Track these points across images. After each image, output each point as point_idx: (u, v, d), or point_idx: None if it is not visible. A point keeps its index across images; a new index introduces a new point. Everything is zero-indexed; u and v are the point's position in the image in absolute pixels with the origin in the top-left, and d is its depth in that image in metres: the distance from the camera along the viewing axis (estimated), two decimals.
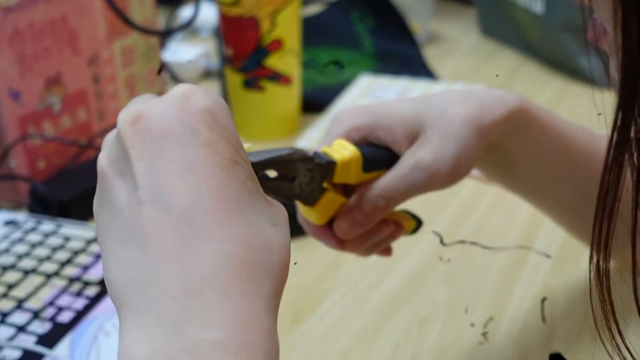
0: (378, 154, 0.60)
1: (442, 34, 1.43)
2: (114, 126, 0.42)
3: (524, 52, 1.31)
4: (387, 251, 0.65)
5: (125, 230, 0.40)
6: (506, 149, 0.64)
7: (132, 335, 0.38)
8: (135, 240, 0.39)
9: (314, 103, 1.14)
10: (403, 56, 1.29)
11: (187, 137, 0.40)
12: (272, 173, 0.54)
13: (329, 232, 0.60)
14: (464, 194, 0.90)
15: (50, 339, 0.68)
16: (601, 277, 0.43)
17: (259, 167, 0.52)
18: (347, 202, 0.59)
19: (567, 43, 1.18)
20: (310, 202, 0.57)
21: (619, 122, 0.37)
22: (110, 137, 0.42)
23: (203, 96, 0.42)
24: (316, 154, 0.56)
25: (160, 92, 1.08)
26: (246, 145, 0.52)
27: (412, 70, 1.25)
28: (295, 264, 0.63)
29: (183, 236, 0.39)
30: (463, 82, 1.19)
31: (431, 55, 1.32)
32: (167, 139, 0.40)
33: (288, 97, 1.06)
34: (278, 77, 1.03)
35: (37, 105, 0.92)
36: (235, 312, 0.38)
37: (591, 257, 0.43)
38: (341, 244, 0.61)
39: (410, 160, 0.59)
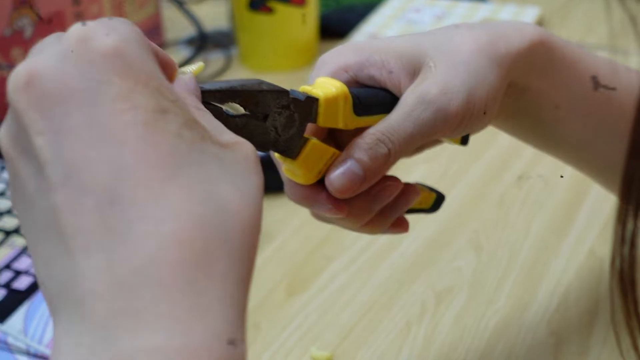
0: (372, 95, 0.57)
1: None
2: None
3: None
4: (401, 225, 0.61)
5: (42, 223, 0.39)
6: (532, 91, 0.62)
7: (60, 346, 0.38)
8: (54, 234, 0.38)
9: (335, 27, 1.13)
10: None
11: (94, 94, 0.38)
12: (235, 109, 0.51)
13: (320, 193, 0.56)
14: (504, 140, 0.88)
15: (2, 310, 0.68)
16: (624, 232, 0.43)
17: (216, 99, 0.49)
18: (339, 154, 0.55)
19: None
20: (290, 152, 0.54)
21: None
22: (8, 112, 0.40)
23: (105, 36, 0.39)
24: (292, 92, 0.53)
25: (155, 14, 1.08)
26: (196, 66, 0.49)
27: None
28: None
29: (107, 221, 0.37)
30: (514, 5, 1.18)
31: None
32: (70, 101, 0.38)
33: (302, 20, 1.06)
34: None
35: (3, 30, 0.92)
36: (176, 310, 0.37)
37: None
38: (338, 207, 0.56)
39: (413, 95, 0.56)
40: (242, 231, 0.38)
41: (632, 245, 0.43)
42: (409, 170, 0.85)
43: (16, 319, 0.67)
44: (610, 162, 0.67)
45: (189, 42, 1.16)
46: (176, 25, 1.18)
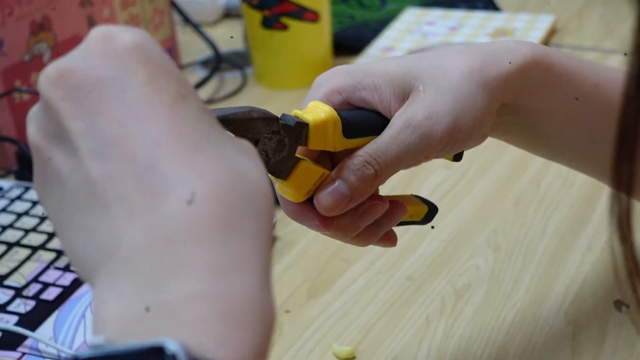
0: (362, 117, 0.59)
1: None
2: None
3: None
4: (389, 240, 0.64)
5: (81, 199, 0.42)
6: (527, 109, 0.64)
7: (104, 300, 0.40)
8: (96, 205, 0.41)
9: (349, 43, 1.15)
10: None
11: (122, 80, 0.42)
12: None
13: (309, 210, 0.59)
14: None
15: (33, 319, 0.71)
16: (622, 225, 0.45)
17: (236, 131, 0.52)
18: (328, 174, 0.58)
19: None
20: (281, 173, 0.57)
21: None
22: (35, 108, 0.44)
23: (127, 33, 0.43)
24: (284, 117, 0.56)
25: (170, 37, 1.12)
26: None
27: (469, 1, 1.26)
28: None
29: (148, 186, 0.41)
30: (529, 14, 1.20)
31: None
32: (101, 87, 0.42)
33: (316, 37, 1.08)
34: (303, 13, 1.05)
35: (22, 55, 0.94)
36: (215, 259, 0.40)
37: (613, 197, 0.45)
38: (325, 223, 0.59)
39: (400, 120, 0.58)
40: (262, 195, 0.41)
41: (628, 228, 0.44)
42: (430, 172, 0.88)
43: (46, 327, 0.70)
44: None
45: (205, 63, 1.18)
46: (191, 47, 1.20)
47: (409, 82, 0.59)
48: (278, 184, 0.58)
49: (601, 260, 0.76)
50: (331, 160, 0.60)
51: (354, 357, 0.68)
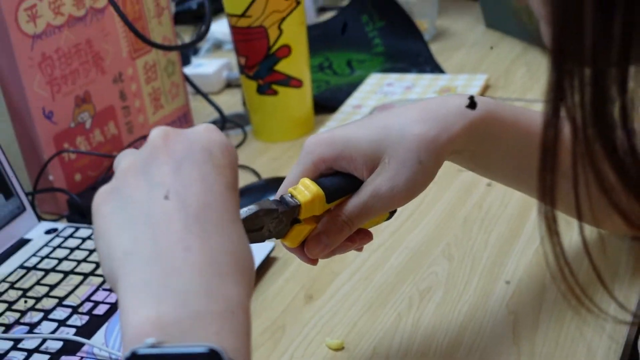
0: (341, 184, 0.61)
1: (448, 30, 1.45)
2: (143, 138, 0.50)
3: (525, 40, 1.32)
4: (364, 239, 0.65)
5: (140, 215, 0.45)
6: (469, 154, 0.65)
7: (139, 303, 0.42)
8: (148, 222, 0.44)
9: (327, 103, 1.16)
10: (411, 53, 1.31)
11: (204, 159, 0.47)
12: None
13: (301, 251, 0.62)
14: (466, 176, 0.92)
15: (88, 330, 0.72)
16: (550, 223, 0.46)
17: (248, 223, 0.56)
18: (315, 228, 0.61)
19: None
20: (279, 236, 0.60)
21: (552, 79, 0.40)
22: (129, 151, 0.49)
23: (220, 134, 0.49)
24: (282, 199, 0.59)
25: (184, 104, 1.13)
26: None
27: (419, 66, 1.27)
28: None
29: (190, 228, 0.44)
30: (467, 74, 1.21)
31: (438, 50, 1.34)
32: (190, 156, 0.46)
33: (300, 99, 1.08)
34: (289, 81, 1.06)
35: (69, 123, 0.95)
36: (229, 293, 0.43)
37: (540, 209, 0.46)
38: (312, 261, 0.63)
39: (369, 189, 0.60)
40: (252, 268, 0.46)
41: (555, 223, 0.45)
42: None
43: (99, 335, 0.71)
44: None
45: (213, 124, 1.16)
46: (202, 112, 1.21)
47: (377, 155, 0.61)
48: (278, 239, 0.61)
49: (532, 263, 0.77)
50: (314, 220, 0.62)
51: (343, 347, 0.68)
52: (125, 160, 0.48)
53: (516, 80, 1.21)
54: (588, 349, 0.65)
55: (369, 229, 0.64)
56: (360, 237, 0.63)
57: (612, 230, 0.75)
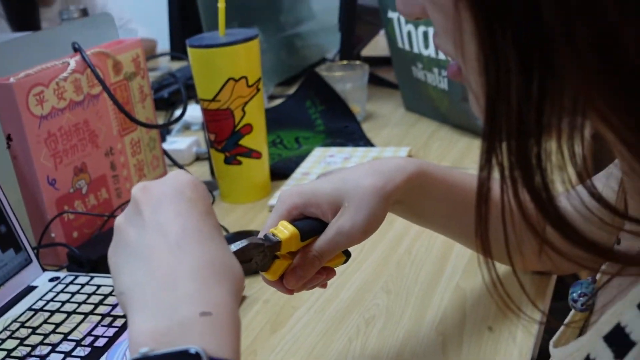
0: (311, 226, 0.63)
1: (375, 112, 1.48)
2: (128, 201, 0.50)
3: (438, 121, 1.36)
4: (329, 275, 0.67)
5: (136, 254, 0.46)
6: (407, 203, 0.68)
7: (139, 321, 0.43)
8: (142, 257, 0.46)
9: (281, 172, 1.17)
10: (347, 131, 1.34)
11: (177, 197, 0.48)
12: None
13: (280, 284, 0.64)
14: (397, 227, 0.95)
15: (91, 358, 0.72)
16: (488, 262, 0.43)
17: (239, 256, 0.57)
18: (291, 263, 0.63)
19: (468, 110, 1.21)
20: (264, 269, 0.61)
21: (485, 141, 0.38)
22: (126, 209, 0.50)
23: (188, 176, 0.50)
24: (266, 237, 0.61)
25: (163, 173, 1.14)
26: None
27: (354, 141, 1.30)
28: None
29: (174, 253, 0.45)
30: (393, 147, 1.24)
31: (368, 128, 1.37)
32: (165, 198, 0.48)
33: (260, 168, 1.10)
34: (251, 153, 1.08)
35: (69, 189, 0.96)
36: (211, 296, 0.44)
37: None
38: (289, 292, 0.64)
39: (334, 228, 0.62)
40: (237, 274, 0.47)
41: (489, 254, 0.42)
42: None
43: None
44: (466, 232, 0.72)
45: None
46: None
47: (339, 200, 0.63)
48: (262, 272, 0.63)
49: (454, 295, 0.79)
50: (291, 256, 0.64)
51: None
52: (118, 219, 0.50)
53: (433, 151, 1.24)
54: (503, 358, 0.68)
55: (333, 268, 0.66)
56: (327, 272, 0.66)
57: (521, 267, 0.78)
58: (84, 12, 1.58)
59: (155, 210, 0.47)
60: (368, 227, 0.63)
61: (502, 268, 0.44)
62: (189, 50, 1.04)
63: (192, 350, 0.40)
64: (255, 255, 0.59)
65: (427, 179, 0.67)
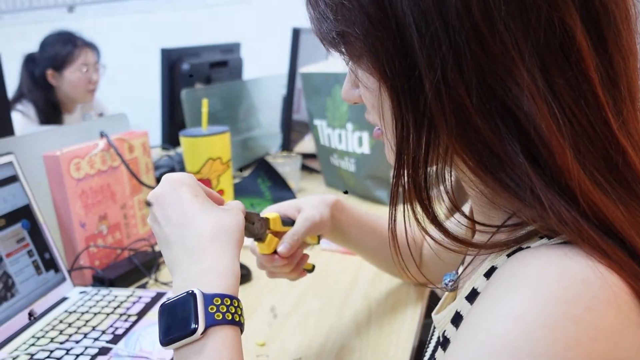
0: (289, 220, 0.66)
1: (305, 187, 1.51)
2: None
3: (349, 193, 1.41)
4: (303, 273, 0.68)
5: (163, 242, 0.49)
6: (337, 219, 0.70)
7: (175, 281, 0.46)
8: (168, 244, 0.48)
9: None
10: (285, 199, 1.23)
11: (178, 196, 0.48)
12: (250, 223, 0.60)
13: (274, 257, 0.63)
14: (324, 261, 0.96)
15: (113, 342, 0.73)
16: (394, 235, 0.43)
17: (246, 220, 0.58)
18: (279, 241, 0.64)
19: (369, 185, 1.29)
20: (262, 239, 0.62)
21: (394, 177, 0.39)
22: (149, 216, 0.51)
23: (179, 174, 0.50)
24: (262, 214, 0.63)
25: None
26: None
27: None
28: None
29: (182, 233, 0.46)
30: None
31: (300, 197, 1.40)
32: (169, 200, 0.48)
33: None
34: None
35: (94, 231, 0.96)
36: (218, 255, 0.45)
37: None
38: (282, 259, 0.63)
39: (301, 218, 0.65)
40: (235, 227, 0.47)
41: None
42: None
43: (120, 344, 0.71)
44: (383, 255, 0.75)
45: None
46: None
47: (299, 207, 0.67)
48: (259, 247, 0.63)
49: (362, 303, 0.79)
50: (277, 236, 0.64)
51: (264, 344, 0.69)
52: (149, 220, 0.50)
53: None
54: (398, 335, 0.70)
55: (306, 253, 0.67)
56: (303, 259, 0.67)
57: (406, 279, 0.80)
58: (100, 115, 1.61)
59: (164, 210, 0.48)
60: (321, 219, 0.65)
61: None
62: (182, 138, 1.08)
63: (191, 291, 0.42)
64: (256, 221, 0.60)
65: (343, 205, 0.70)
